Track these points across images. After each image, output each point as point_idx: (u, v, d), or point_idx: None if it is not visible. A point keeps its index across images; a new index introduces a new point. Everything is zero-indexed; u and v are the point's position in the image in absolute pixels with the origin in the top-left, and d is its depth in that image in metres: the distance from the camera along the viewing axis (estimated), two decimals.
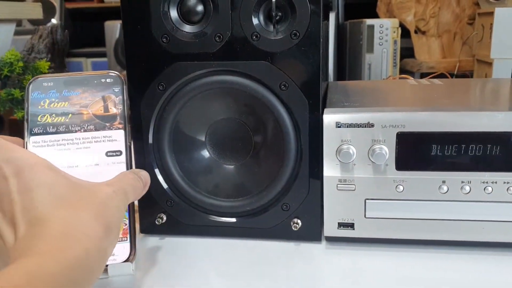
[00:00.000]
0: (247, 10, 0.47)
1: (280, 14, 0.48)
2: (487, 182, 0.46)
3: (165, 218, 0.53)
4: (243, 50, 0.48)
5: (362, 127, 0.47)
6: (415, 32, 1.79)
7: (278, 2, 0.47)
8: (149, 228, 0.54)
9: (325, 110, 0.49)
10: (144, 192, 0.44)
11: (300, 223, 0.51)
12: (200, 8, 0.48)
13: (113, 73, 0.49)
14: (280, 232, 0.51)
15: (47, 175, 0.35)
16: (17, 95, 0.79)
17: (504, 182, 0.45)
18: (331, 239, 0.51)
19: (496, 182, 0.45)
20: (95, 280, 0.33)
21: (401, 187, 0.47)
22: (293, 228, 0.51)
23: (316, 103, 0.48)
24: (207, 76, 0.49)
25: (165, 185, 0.52)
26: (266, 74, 0.48)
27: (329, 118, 0.48)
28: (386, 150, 0.47)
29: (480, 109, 0.46)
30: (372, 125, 0.47)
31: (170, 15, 0.49)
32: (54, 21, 2.22)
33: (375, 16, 1.92)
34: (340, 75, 1.88)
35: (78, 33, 2.34)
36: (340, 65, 1.89)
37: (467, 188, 0.46)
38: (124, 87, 0.48)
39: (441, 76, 1.83)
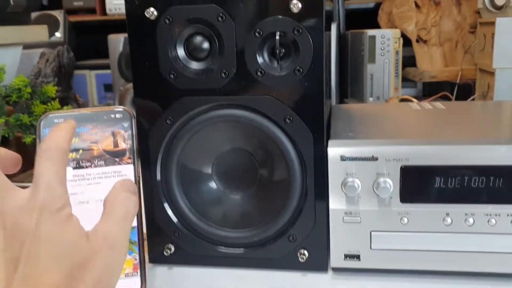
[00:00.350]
0: (252, 48, 0.48)
1: (283, 50, 0.48)
2: (490, 215, 0.46)
3: (173, 248, 0.54)
4: (248, 85, 0.49)
5: (367, 160, 0.48)
6: (417, 41, 1.79)
7: (282, 40, 0.48)
8: (158, 258, 0.55)
9: (330, 142, 0.50)
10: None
11: (306, 254, 0.52)
12: (206, 45, 0.49)
13: (121, 108, 0.50)
14: (287, 262, 0.52)
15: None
16: (25, 120, 0.80)
17: (508, 215, 0.46)
18: (338, 270, 0.52)
19: (499, 215, 0.46)
20: None
21: (405, 219, 0.48)
22: (300, 259, 0.51)
23: (321, 136, 0.49)
24: (213, 110, 0.50)
25: (174, 219, 0.53)
26: (271, 108, 0.49)
27: (334, 151, 0.49)
28: (391, 183, 0.48)
29: (483, 143, 0.46)
30: (376, 159, 0.48)
31: (177, 53, 0.50)
32: (58, 34, 2.24)
33: (377, 25, 1.93)
34: (342, 85, 1.89)
35: (81, 45, 2.36)
36: (342, 75, 1.90)
37: (471, 220, 0.47)
38: (133, 121, 0.49)
39: (444, 84, 1.84)
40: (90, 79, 2.31)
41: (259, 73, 0.49)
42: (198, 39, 0.49)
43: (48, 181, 0.36)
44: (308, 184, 0.50)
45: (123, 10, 2.46)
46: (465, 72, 1.67)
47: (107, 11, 2.43)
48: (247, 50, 0.48)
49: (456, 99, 1.65)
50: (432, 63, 1.77)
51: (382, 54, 1.68)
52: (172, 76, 0.50)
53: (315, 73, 0.48)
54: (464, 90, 1.66)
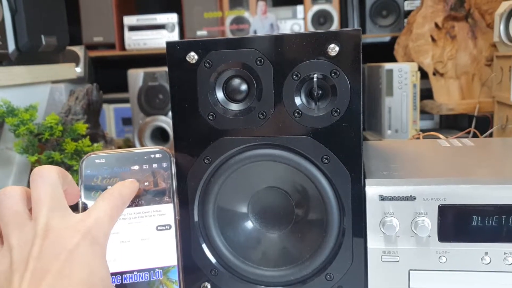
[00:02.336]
0: (289, 89, 0.49)
1: (320, 92, 0.50)
2: None
3: (209, 287, 0.54)
4: (286, 126, 0.50)
5: (405, 200, 0.49)
6: (434, 74, 1.81)
7: (319, 81, 0.49)
8: None
9: (367, 181, 0.50)
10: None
11: None
12: (244, 87, 0.51)
13: (161, 148, 0.51)
14: None
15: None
16: (57, 158, 0.82)
17: None
18: None
19: None
20: None
21: (444, 258, 0.48)
22: None
23: (358, 175, 0.50)
24: (250, 150, 0.52)
25: (212, 259, 0.54)
26: (308, 148, 0.50)
27: (372, 190, 0.49)
28: (429, 222, 0.48)
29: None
30: (414, 198, 0.48)
31: (216, 95, 0.51)
32: (78, 69, 2.29)
33: (392, 58, 1.95)
34: None
35: (99, 80, 2.41)
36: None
37: (510, 259, 0.47)
38: (172, 161, 0.51)
39: (461, 116, 1.84)
40: (108, 112, 2.35)
41: (296, 114, 0.50)
42: (236, 81, 0.51)
43: (100, 215, 0.40)
44: (346, 223, 0.51)
45: (141, 45, 2.52)
46: (482, 104, 1.68)
47: (126, 46, 2.49)
48: (284, 92, 0.50)
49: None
50: (449, 96, 1.78)
51: (400, 87, 1.70)
52: (211, 117, 0.51)
53: (352, 113, 0.49)
54: (482, 123, 1.66)
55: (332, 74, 0.49)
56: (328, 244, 0.51)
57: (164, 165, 0.51)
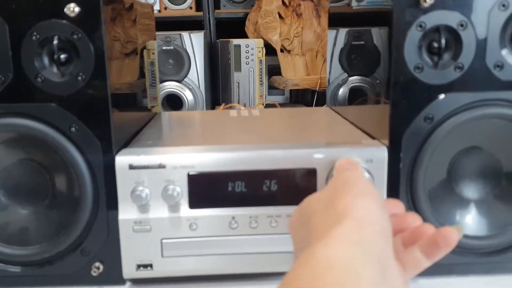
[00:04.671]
0: (29, 51, 0.45)
1: (64, 55, 0.46)
2: (272, 216, 0.48)
3: None
4: (29, 93, 0.46)
5: (155, 168, 0.47)
6: (281, 51, 1.86)
7: (62, 45, 0.46)
8: None
9: (120, 152, 0.48)
10: None
11: (101, 268, 0.50)
12: None
13: None
14: (81, 278, 0.50)
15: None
16: None
17: (288, 215, 0.48)
18: (137, 281, 0.50)
19: (280, 216, 0.48)
20: None
21: (194, 225, 0.48)
22: (93, 273, 0.49)
23: (109, 144, 0.48)
24: None
25: None
26: (54, 116, 0.47)
27: (122, 160, 0.47)
28: (179, 190, 0.47)
29: (261, 148, 0.48)
30: (164, 167, 0.47)
31: None
32: None
33: (246, 34, 1.97)
34: (214, 93, 1.90)
35: None
36: (214, 82, 1.91)
37: (255, 223, 0.48)
38: None
39: (307, 91, 1.92)
40: None
41: (39, 79, 0.46)
42: None
43: None
44: (100, 195, 0.49)
45: None
46: (324, 80, 1.76)
47: None
48: (23, 54, 0.45)
49: (316, 105, 1.74)
50: (295, 72, 1.84)
51: (247, 63, 1.72)
52: None
53: (98, 79, 0.46)
54: (324, 97, 1.75)
55: (74, 36, 0.45)
56: (82, 218, 0.48)
57: None
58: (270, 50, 1.88)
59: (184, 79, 1.67)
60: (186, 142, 0.54)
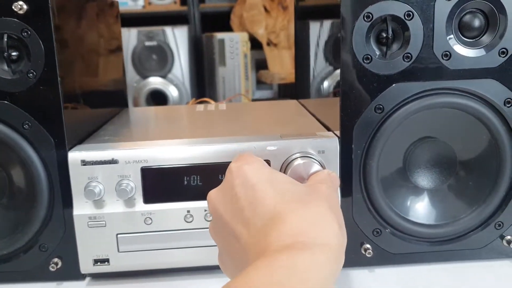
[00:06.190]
0: None
1: (15, 53, 0.47)
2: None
3: None
4: None
5: (107, 163, 0.48)
6: (268, 44, 1.86)
7: (12, 42, 0.46)
8: None
9: (73, 148, 0.49)
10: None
11: (60, 263, 0.50)
12: None
13: None
14: (40, 273, 0.50)
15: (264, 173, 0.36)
16: None
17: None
18: (96, 276, 0.51)
19: None
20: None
21: (149, 220, 0.48)
22: (51, 269, 0.50)
23: (62, 141, 0.48)
24: None
25: None
26: (6, 113, 0.47)
27: (74, 156, 0.48)
28: (132, 185, 0.48)
29: (214, 142, 0.48)
30: (117, 162, 0.48)
31: None
32: None
33: (231, 28, 1.97)
34: (200, 88, 1.90)
35: None
36: (200, 78, 1.91)
37: (210, 216, 0.48)
38: None
39: (292, 86, 1.92)
40: None
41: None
42: None
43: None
44: (56, 192, 0.49)
45: None
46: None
47: None
48: None
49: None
50: (282, 65, 1.84)
51: (232, 57, 1.72)
52: None
53: (49, 76, 0.47)
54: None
55: (23, 34, 0.45)
56: (38, 215, 0.49)
57: None
58: (258, 44, 1.88)
59: (168, 75, 1.67)
60: (143, 137, 0.54)
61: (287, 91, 2.04)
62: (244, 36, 1.69)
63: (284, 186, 0.35)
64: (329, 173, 0.42)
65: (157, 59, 1.64)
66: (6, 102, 0.47)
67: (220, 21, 1.97)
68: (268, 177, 0.36)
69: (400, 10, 0.45)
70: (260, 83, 1.97)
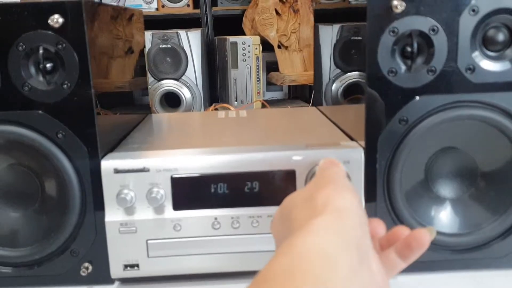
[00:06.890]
0: (15, 61, 0.47)
1: (50, 65, 0.48)
2: (253, 217, 0.50)
3: None
4: (17, 101, 0.48)
5: (139, 171, 0.49)
6: (279, 47, 1.87)
7: (48, 54, 0.47)
8: None
9: (106, 156, 0.50)
10: None
11: (90, 268, 0.51)
12: None
13: None
14: (70, 278, 0.52)
15: None
16: None
17: (268, 216, 0.50)
18: (125, 281, 0.52)
19: (261, 216, 0.50)
20: None
21: (178, 226, 0.50)
22: (82, 273, 0.51)
23: (95, 149, 0.49)
24: None
25: None
26: (41, 123, 0.49)
27: (107, 164, 0.49)
28: (162, 193, 0.49)
29: (241, 151, 0.50)
30: (148, 170, 0.49)
31: None
32: None
33: (243, 31, 1.98)
34: (212, 90, 1.92)
35: None
36: (212, 80, 1.93)
37: (237, 223, 0.50)
38: None
39: (305, 87, 1.93)
40: None
41: (26, 87, 0.48)
42: None
43: None
44: (88, 199, 0.50)
45: None
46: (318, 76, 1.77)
47: None
48: (10, 64, 0.47)
49: (313, 102, 1.75)
50: (293, 68, 1.85)
51: (244, 60, 1.73)
52: None
53: (83, 87, 0.48)
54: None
55: (58, 46, 0.47)
56: (70, 221, 0.50)
57: None
58: (269, 46, 1.89)
59: (182, 77, 1.68)
60: (171, 145, 0.55)
61: (297, 93, 2.06)
62: (257, 39, 1.70)
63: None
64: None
65: (171, 61, 1.65)
66: (40, 112, 0.49)
67: (232, 24, 1.98)
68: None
69: (425, 25, 0.46)
70: (270, 85, 1.98)
